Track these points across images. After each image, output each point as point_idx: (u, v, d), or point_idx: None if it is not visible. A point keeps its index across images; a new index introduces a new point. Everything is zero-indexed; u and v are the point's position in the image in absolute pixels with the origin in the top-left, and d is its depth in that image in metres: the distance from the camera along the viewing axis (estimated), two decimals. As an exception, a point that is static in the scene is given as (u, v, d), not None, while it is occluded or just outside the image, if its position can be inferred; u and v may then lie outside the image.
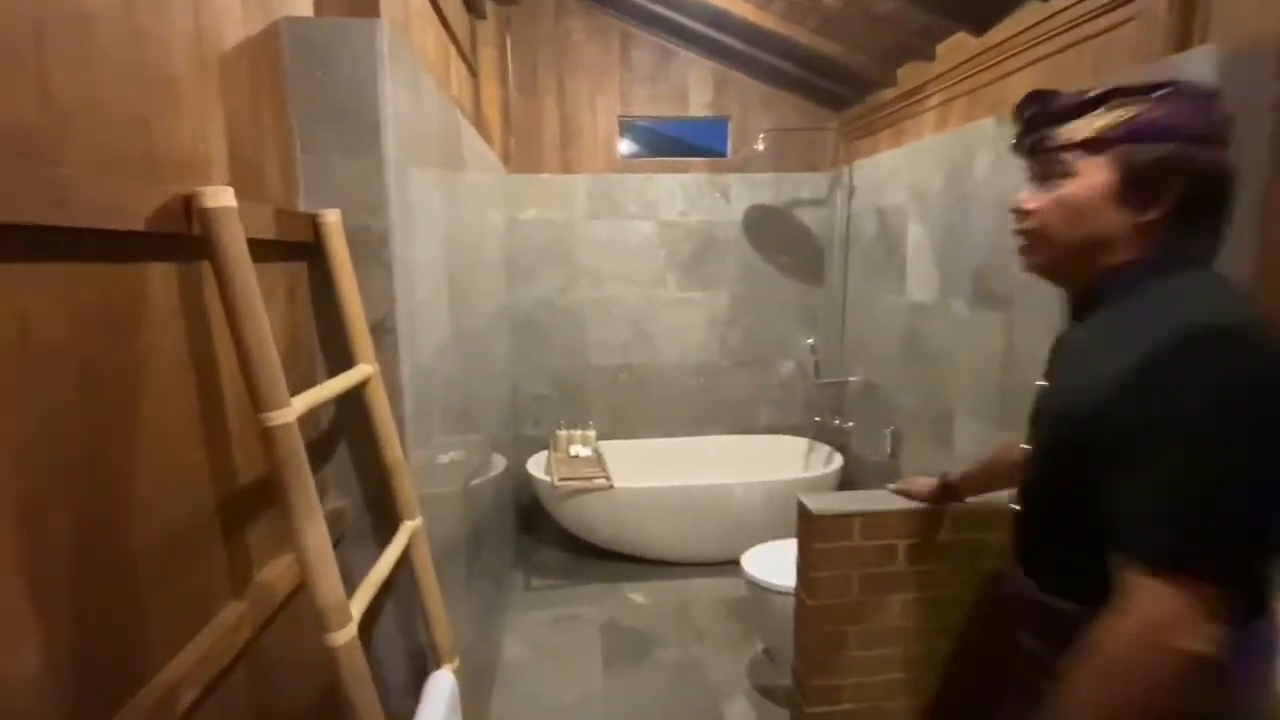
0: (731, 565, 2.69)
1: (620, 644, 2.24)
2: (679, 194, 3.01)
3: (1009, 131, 0.80)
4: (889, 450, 2.45)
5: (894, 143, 2.54)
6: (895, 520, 1.29)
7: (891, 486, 1.37)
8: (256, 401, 0.74)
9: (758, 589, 1.94)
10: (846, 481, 2.82)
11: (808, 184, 3.05)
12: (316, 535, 0.77)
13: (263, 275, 0.94)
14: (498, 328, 2.43)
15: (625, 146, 3.08)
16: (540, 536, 2.97)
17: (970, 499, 1.30)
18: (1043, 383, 0.82)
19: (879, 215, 2.55)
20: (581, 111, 2.97)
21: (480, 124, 2.67)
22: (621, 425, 3.14)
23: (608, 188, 2.97)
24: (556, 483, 2.50)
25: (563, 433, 2.96)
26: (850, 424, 2.86)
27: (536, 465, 2.79)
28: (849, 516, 1.27)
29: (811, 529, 1.27)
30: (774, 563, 2.00)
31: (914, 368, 2.31)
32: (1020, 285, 1.74)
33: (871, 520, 1.28)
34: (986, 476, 1.24)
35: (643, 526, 2.62)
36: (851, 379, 2.86)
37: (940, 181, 2.11)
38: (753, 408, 3.20)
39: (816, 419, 3.00)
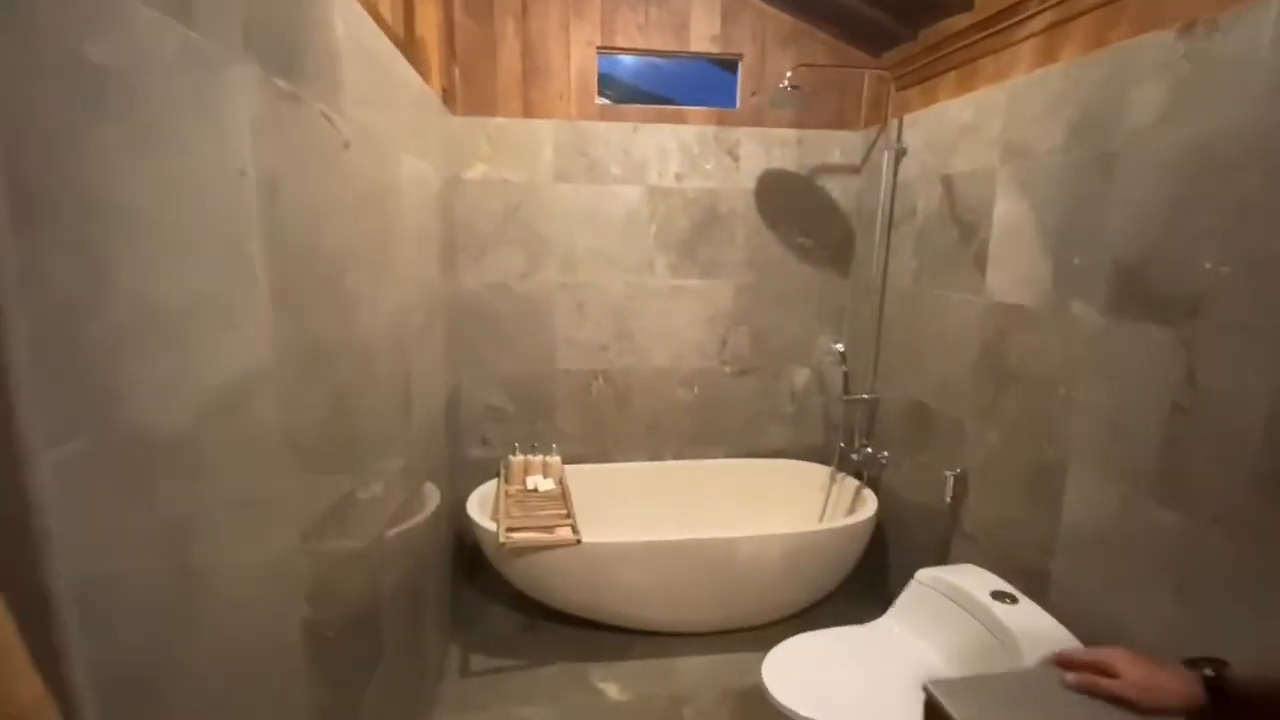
0: (735, 637, 2.09)
1: (587, 773, 1.61)
2: (674, 151, 2.33)
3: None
4: (948, 497, 1.84)
5: (963, 88, 1.90)
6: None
7: (1072, 678, 0.73)
8: None
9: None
10: (879, 529, 2.21)
11: (838, 145, 2.40)
12: None
13: None
14: (426, 322, 1.75)
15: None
16: (487, 589, 2.32)
17: None
18: None
19: (944, 185, 1.91)
20: (550, 40, 2.26)
21: (413, 48, 1.95)
22: (595, 446, 2.49)
23: (582, 139, 2.28)
24: (503, 538, 1.84)
25: (517, 458, 2.29)
26: (886, 454, 2.24)
27: (480, 503, 2.13)
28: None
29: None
30: (808, 673, 1.39)
31: (997, 392, 1.69)
32: (1216, 286, 1.11)
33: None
34: None
35: (620, 591, 1.98)
36: (889, 396, 2.24)
37: (1060, 133, 1.47)
38: (760, 426, 2.58)
39: (841, 444, 2.39)
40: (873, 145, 2.33)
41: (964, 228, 1.82)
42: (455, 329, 2.22)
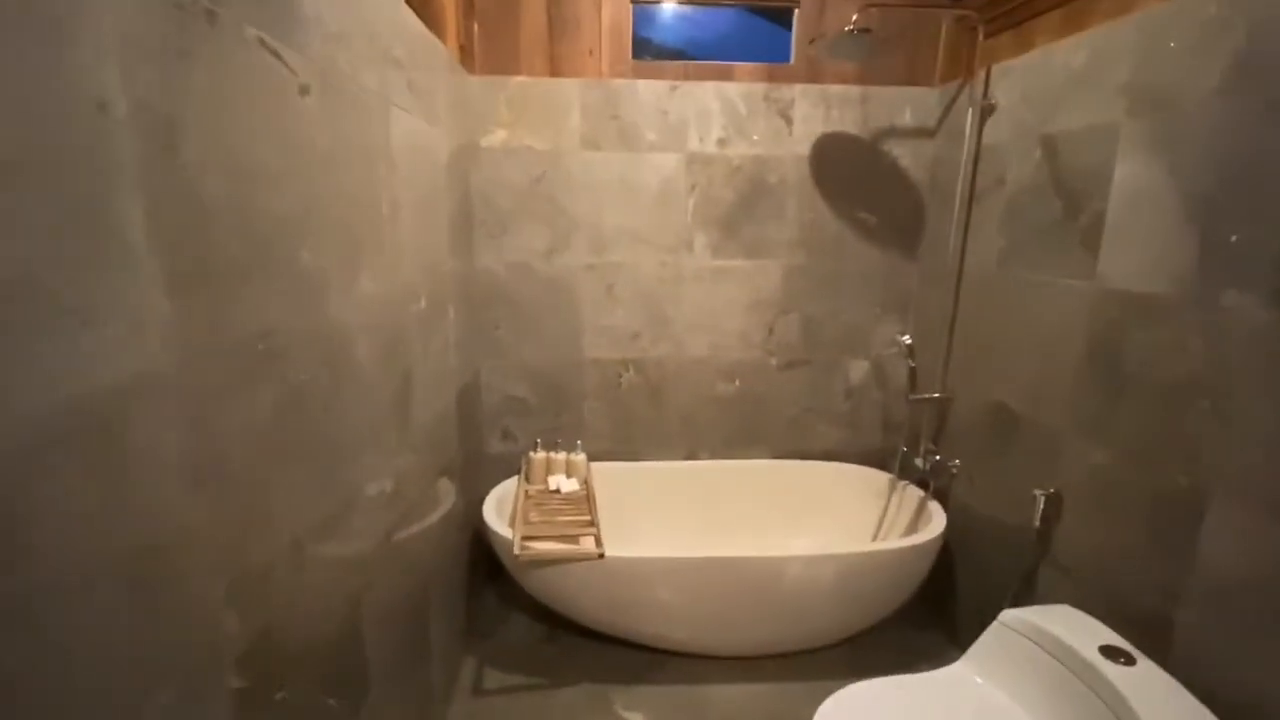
0: (777, 663, 1.86)
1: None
2: (718, 113, 2.05)
3: None
4: (1037, 520, 1.55)
5: (1072, 27, 1.56)
6: None
7: None
8: None
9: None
10: (945, 546, 1.93)
11: (910, 103, 2.08)
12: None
13: None
14: (431, 306, 1.55)
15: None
16: (509, 593, 2.15)
17: None
18: None
19: (1044, 147, 1.59)
20: (580, -13, 2.01)
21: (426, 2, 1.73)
22: (624, 443, 2.27)
23: (613, 101, 2.02)
24: (518, 548, 1.65)
25: (539, 455, 2.10)
26: (957, 462, 1.95)
27: (497, 505, 1.94)
28: None
29: None
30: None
31: (1108, 400, 1.39)
32: None
33: None
34: None
35: (648, 609, 1.78)
36: (963, 397, 1.94)
37: (1217, 73, 1.15)
38: (808, 424, 2.31)
39: (904, 449, 2.10)
40: (952, 103, 2.00)
41: (1070, 199, 1.50)
42: (472, 313, 2.02)
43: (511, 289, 2.12)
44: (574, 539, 1.76)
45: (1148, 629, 1.26)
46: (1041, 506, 1.55)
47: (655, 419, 2.26)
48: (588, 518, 1.83)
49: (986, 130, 1.81)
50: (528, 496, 1.96)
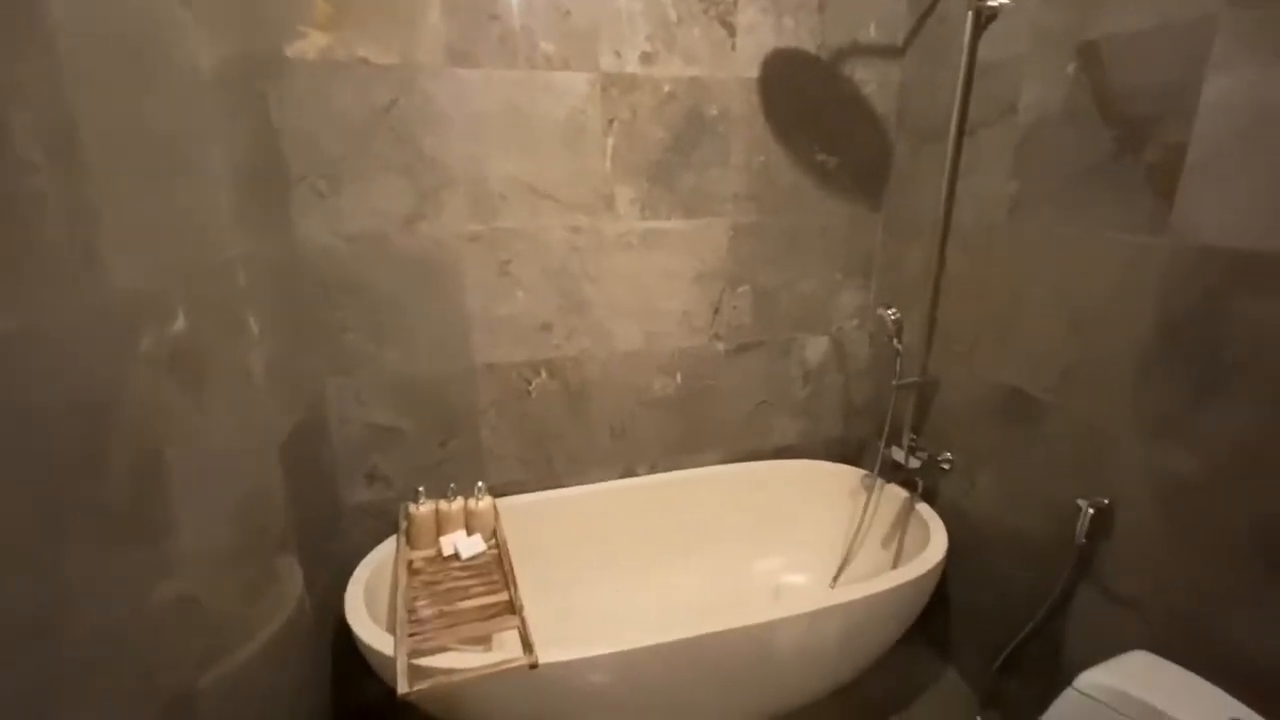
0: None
1: None
2: (639, 15, 1.49)
3: None
4: (1082, 537, 1.25)
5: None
6: None
7: None
8: None
9: None
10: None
11: (875, 14, 1.64)
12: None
13: None
14: (194, 326, 0.91)
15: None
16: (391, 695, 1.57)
17: None
18: None
19: (1083, 58, 1.21)
20: None
21: None
22: (539, 468, 1.73)
23: (491, -8, 1.39)
24: (404, 686, 1.08)
25: (423, 507, 1.51)
26: (948, 456, 1.64)
27: (368, 593, 1.35)
28: None
29: None
30: None
31: (1195, 392, 1.07)
32: None
33: None
34: None
35: (604, 716, 1.30)
36: (953, 379, 1.61)
37: None
38: (763, 419, 1.90)
39: (886, 446, 1.75)
40: (927, 12, 1.59)
41: (1128, 126, 1.14)
42: (300, 314, 1.36)
43: (360, 272, 1.47)
44: (486, 639, 1.22)
45: (1267, 692, 0.98)
46: (1087, 520, 1.24)
47: (578, 433, 1.74)
48: (505, 596, 1.29)
49: (985, 42, 1.41)
50: (412, 571, 1.38)
